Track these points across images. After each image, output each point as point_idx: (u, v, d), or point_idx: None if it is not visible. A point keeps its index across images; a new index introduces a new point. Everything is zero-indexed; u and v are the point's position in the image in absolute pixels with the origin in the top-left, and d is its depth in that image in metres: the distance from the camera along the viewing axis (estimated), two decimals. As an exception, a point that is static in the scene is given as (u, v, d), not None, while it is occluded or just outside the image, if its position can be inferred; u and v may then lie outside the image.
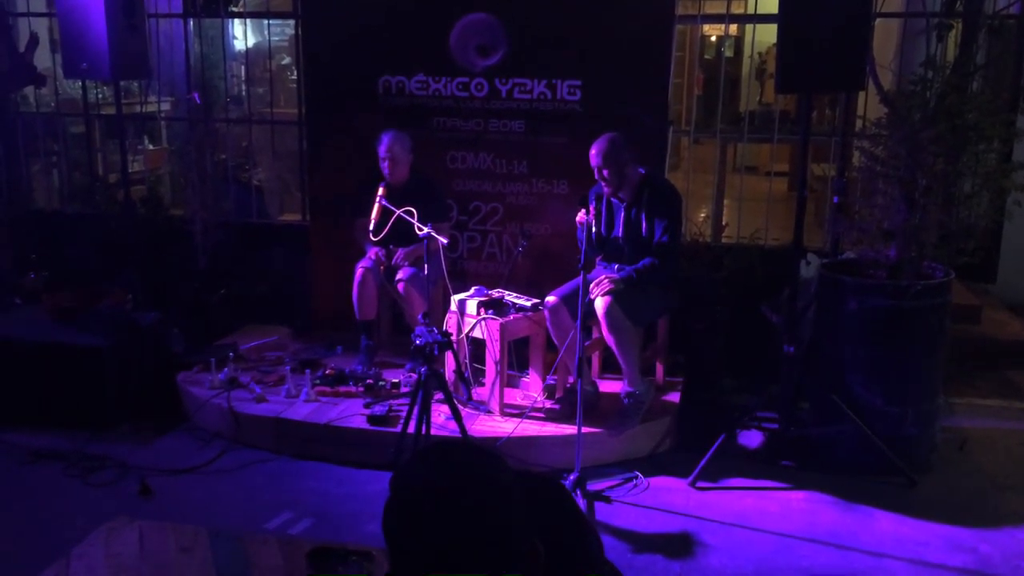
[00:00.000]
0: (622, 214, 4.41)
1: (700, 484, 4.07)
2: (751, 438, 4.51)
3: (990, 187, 4.16)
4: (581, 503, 3.79)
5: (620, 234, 4.43)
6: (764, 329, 4.87)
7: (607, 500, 3.92)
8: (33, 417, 4.58)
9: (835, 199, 4.51)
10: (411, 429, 3.87)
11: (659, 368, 4.78)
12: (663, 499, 3.96)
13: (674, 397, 4.66)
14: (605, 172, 4.28)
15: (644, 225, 4.34)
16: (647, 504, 3.91)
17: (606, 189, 4.36)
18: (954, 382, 4.90)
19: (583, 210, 4.13)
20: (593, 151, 4.29)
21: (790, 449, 4.33)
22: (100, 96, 6.43)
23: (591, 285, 4.16)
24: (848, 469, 4.16)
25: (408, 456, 1.32)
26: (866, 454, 4.10)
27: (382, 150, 4.80)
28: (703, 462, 4.09)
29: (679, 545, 3.62)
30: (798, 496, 4.01)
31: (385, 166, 4.80)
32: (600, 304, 4.16)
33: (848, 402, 4.11)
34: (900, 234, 4.09)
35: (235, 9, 6.23)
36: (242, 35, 6.79)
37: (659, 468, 4.22)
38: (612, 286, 4.19)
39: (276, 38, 6.94)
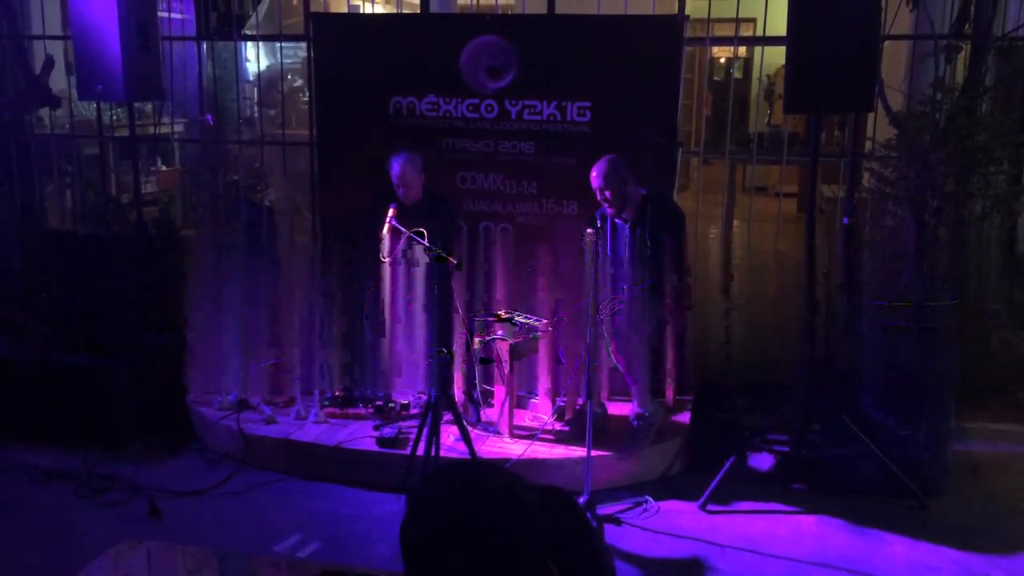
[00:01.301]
0: (627, 233, 4.42)
1: (710, 507, 4.04)
2: (762, 460, 4.48)
3: (1000, 208, 4.15)
4: (590, 526, 3.77)
5: (626, 254, 4.44)
6: (775, 350, 4.85)
7: (617, 523, 3.90)
8: (45, 436, 4.60)
9: (845, 220, 4.50)
10: (420, 451, 3.87)
11: (669, 389, 4.76)
12: (673, 522, 3.94)
13: (684, 418, 4.64)
14: (607, 193, 4.30)
15: (649, 244, 4.34)
16: (657, 528, 3.89)
17: (609, 210, 4.37)
18: (966, 405, 4.86)
19: (588, 231, 4.13)
20: (594, 173, 4.30)
21: (801, 471, 4.31)
22: (114, 117, 6.48)
23: (600, 306, 4.16)
24: (860, 492, 4.13)
25: (423, 475, 1.32)
26: (878, 477, 4.07)
27: (394, 175, 4.80)
28: (713, 485, 4.06)
29: (689, 570, 3.60)
30: (809, 520, 3.98)
31: (399, 191, 4.82)
32: (609, 325, 4.16)
33: (860, 424, 4.08)
34: (911, 255, 4.08)
35: (248, 32, 6.28)
36: (255, 57, 6.86)
37: (669, 491, 4.20)
38: (622, 307, 4.19)
39: (288, 60, 6.99)
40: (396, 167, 4.79)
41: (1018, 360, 5.42)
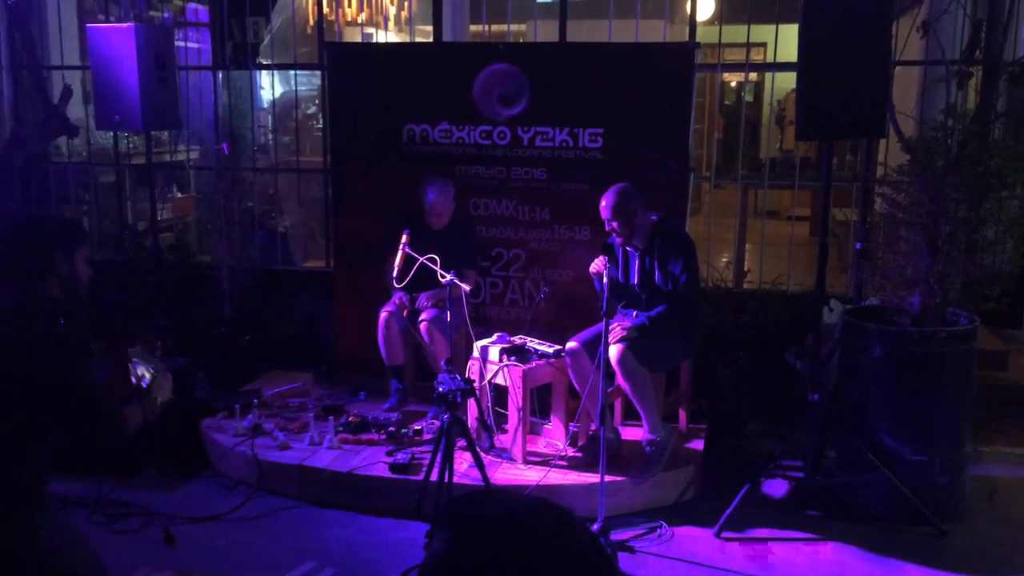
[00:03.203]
0: (637, 262, 4.44)
1: (725, 534, 4.02)
2: (776, 486, 4.46)
3: (1014, 233, 4.14)
4: (605, 553, 3.75)
5: (635, 282, 4.45)
6: (789, 374, 4.84)
7: (631, 550, 3.88)
8: (59, 462, 4.60)
9: (858, 245, 4.50)
10: (434, 477, 3.86)
11: (682, 415, 4.75)
12: (688, 549, 3.92)
13: (698, 444, 4.62)
14: (615, 224, 4.32)
15: (657, 273, 4.35)
16: (671, 555, 3.87)
17: (618, 239, 4.39)
18: (982, 429, 4.82)
19: (597, 259, 4.15)
20: (602, 204, 4.32)
21: (816, 498, 4.28)
22: (131, 145, 6.57)
23: (611, 331, 4.17)
24: (876, 519, 4.10)
25: (466, 507, 1.29)
26: (894, 503, 4.04)
27: (426, 203, 4.86)
28: (728, 512, 4.04)
29: (704, 597, 3.57)
30: (825, 547, 3.95)
31: (430, 217, 4.87)
32: (613, 352, 4.16)
33: (874, 450, 4.06)
34: (924, 281, 4.07)
35: (263, 61, 6.36)
36: (269, 85, 6.94)
37: (684, 517, 4.18)
38: (625, 333, 4.20)
39: (303, 88, 7.07)
40: (430, 195, 4.85)
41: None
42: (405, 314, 4.88)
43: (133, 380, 2.81)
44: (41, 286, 2.58)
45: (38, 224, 2.68)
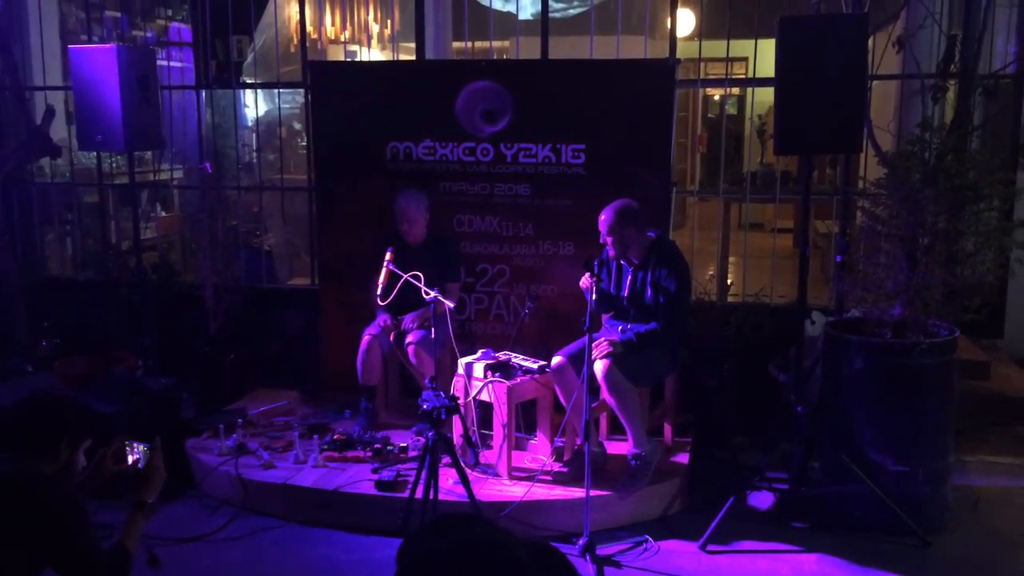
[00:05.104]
0: (629, 277, 4.46)
1: (711, 547, 4.03)
2: (762, 499, 4.47)
3: (992, 244, 4.19)
4: (591, 568, 3.76)
5: (625, 295, 4.47)
6: (773, 387, 4.86)
7: (617, 565, 3.89)
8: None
9: (838, 258, 4.54)
10: (419, 494, 3.86)
11: (667, 428, 4.76)
12: (673, 563, 3.92)
13: (683, 458, 4.64)
14: (609, 240, 4.36)
15: (648, 290, 4.37)
16: (657, 569, 3.87)
17: (611, 252, 4.42)
18: (965, 439, 4.86)
19: (586, 274, 4.17)
20: (600, 218, 4.36)
21: (801, 509, 4.30)
22: (114, 165, 6.56)
23: (595, 345, 4.19)
24: (860, 530, 4.12)
25: (415, 527, 1.33)
26: (878, 514, 4.06)
27: (397, 211, 4.89)
28: (713, 525, 4.05)
29: (690, 611, 3.58)
30: (810, 559, 3.96)
31: (403, 227, 4.89)
32: (599, 367, 4.17)
33: (858, 461, 4.08)
34: (904, 292, 4.11)
35: (246, 80, 6.38)
36: (253, 103, 6.95)
37: (669, 531, 4.19)
38: (611, 349, 4.22)
39: (286, 105, 7.09)
40: (400, 203, 4.89)
41: (1016, 392, 5.43)
42: (391, 337, 4.88)
43: (129, 460, 2.81)
44: (39, 464, 2.60)
45: (56, 407, 2.69)
